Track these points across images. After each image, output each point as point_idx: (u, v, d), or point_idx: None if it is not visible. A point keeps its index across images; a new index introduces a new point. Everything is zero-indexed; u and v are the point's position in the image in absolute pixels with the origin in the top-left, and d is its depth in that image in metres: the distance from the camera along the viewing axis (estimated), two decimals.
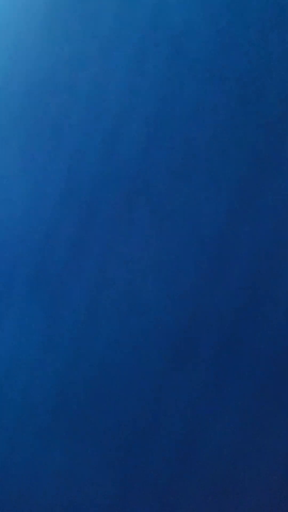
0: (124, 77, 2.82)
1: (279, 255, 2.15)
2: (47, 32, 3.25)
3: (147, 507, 2.43)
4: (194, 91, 2.51)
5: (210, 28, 2.47)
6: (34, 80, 3.29)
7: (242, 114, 2.33)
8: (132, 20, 2.81)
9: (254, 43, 2.32)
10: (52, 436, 2.88)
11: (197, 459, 2.30)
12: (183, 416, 2.36)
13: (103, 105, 2.91)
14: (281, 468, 2.05)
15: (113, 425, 2.62)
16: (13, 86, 3.39)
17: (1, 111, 3.45)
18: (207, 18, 2.49)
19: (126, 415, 2.57)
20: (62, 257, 2.96)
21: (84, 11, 3.06)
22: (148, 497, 2.44)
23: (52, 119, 3.15)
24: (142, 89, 2.74)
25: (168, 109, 2.61)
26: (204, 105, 2.47)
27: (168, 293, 2.49)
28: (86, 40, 3.03)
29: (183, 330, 2.41)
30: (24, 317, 3.11)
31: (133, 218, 2.67)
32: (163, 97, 2.63)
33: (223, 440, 2.22)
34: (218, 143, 2.40)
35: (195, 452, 2.31)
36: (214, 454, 2.25)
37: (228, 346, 2.25)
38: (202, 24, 2.50)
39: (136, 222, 2.66)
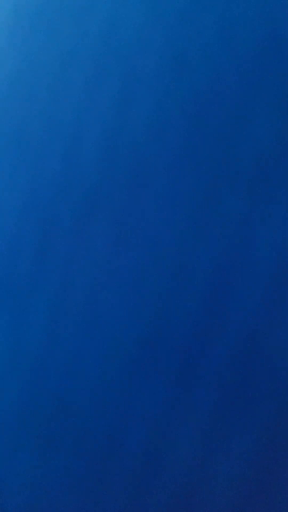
0: (82, 91, 2.84)
1: (238, 264, 2.18)
2: (11, 40, 3.25)
3: None
4: (150, 106, 2.54)
5: (165, 45, 2.50)
6: None
7: (197, 129, 2.36)
8: (88, 36, 2.83)
9: (209, 59, 2.35)
10: (20, 447, 2.88)
11: (162, 461, 2.31)
12: (147, 421, 2.38)
13: (62, 115, 2.92)
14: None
15: (77, 432, 2.63)
16: None
17: None
18: (160, 35, 2.51)
19: (92, 421, 2.58)
20: (24, 269, 2.97)
21: (44, 22, 3.08)
22: (116, 502, 2.45)
23: (12, 129, 3.16)
24: (100, 100, 2.76)
25: (125, 118, 2.63)
26: (160, 119, 2.49)
27: (130, 301, 2.50)
28: (45, 56, 3.05)
29: (145, 337, 2.43)
30: None
31: (94, 229, 2.69)
32: (121, 110, 2.65)
33: (190, 442, 2.24)
34: (174, 156, 2.42)
35: (161, 454, 2.33)
36: (180, 455, 2.27)
37: (191, 352, 2.27)
38: (156, 41, 2.53)
39: (96, 232, 2.67)
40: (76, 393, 2.66)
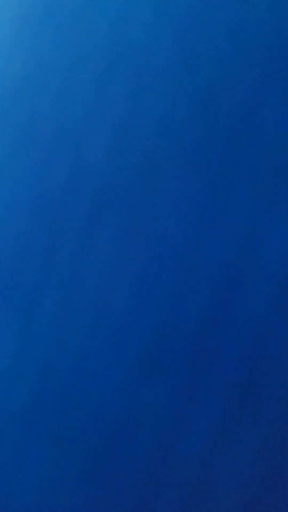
0: (90, 87, 2.83)
1: (247, 264, 2.18)
2: (17, 41, 3.26)
3: None
4: (160, 103, 2.53)
5: (174, 44, 2.50)
6: (1, 89, 3.29)
7: (207, 128, 2.35)
8: (97, 36, 2.82)
9: (218, 57, 2.34)
10: (28, 447, 2.88)
11: (170, 461, 2.31)
12: (155, 424, 2.38)
13: (71, 115, 2.92)
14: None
15: (85, 432, 2.63)
16: None
17: None
18: (170, 34, 2.51)
19: (98, 422, 2.58)
20: (33, 268, 2.97)
21: (51, 25, 3.08)
22: (124, 504, 2.45)
23: (20, 130, 3.16)
24: (109, 100, 2.75)
25: (135, 119, 2.63)
26: (170, 117, 2.49)
27: (138, 302, 2.50)
28: (52, 52, 3.05)
29: (153, 339, 2.43)
30: None
31: (102, 230, 2.69)
32: (130, 108, 2.65)
33: (196, 443, 2.24)
34: (184, 155, 2.42)
35: (168, 455, 2.33)
36: (187, 458, 2.26)
37: (199, 355, 2.27)
38: (166, 40, 2.52)
39: (105, 233, 2.67)
40: (84, 393, 2.66)
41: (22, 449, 2.90)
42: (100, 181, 2.73)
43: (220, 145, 2.31)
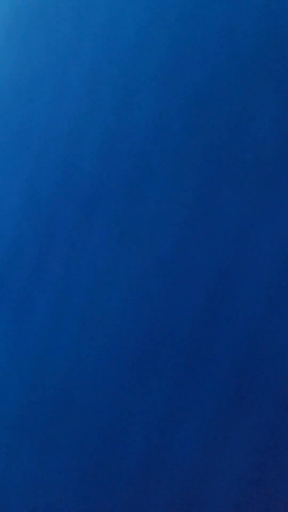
0: (81, 88, 2.83)
1: (239, 264, 2.18)
2: (9, 41, 3.25)
3: None
4: (150, 102, 2.54)
5: (165, 43, 2.50)
6: None
7: (197, 125, 2.36)
8: (89, 32, 2.82)
9: (210, 57, 2.35)
10: (20, 449, 2.88)
11: (164, 462, 2.32)
12: (149, 425, 2.38)
13: (62, 116, 2.92)
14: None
15: (79, 433, 2.63)
16: None
17: None
18: (161, 32, 2.51)
19: (91, 423, 2.59)
20: (25, 270, 2.97)
21: (44, 23, 3.08)
22: (119, 504, 2.45)
23: (12, 131, 3.16)
24: (100, 100, 2.76)
25: (125, 120, 2.63)
26: (161, 118, 2.49)
27: (131, 302, 2.50)
28: (46, 51, 3.04)
29: (146, 339, 2.43)
30: None
31: (93, 230, 2.69)
32: (121, 109, 2.65)
33: (189, 449, 2.25)
34: (175, 156, 2.42)
35: (162, 456, 2.33)
36: (182, 459, 2.27)
37: (191, 355, 2.27)
38: (156, 39, 2.53)
39: (97, 234, 2.67)
40: (77, 395, 2.66)
41: (15, 450, 2.90)
42: (91, 182, 2.73)
43: (211, 146, 2.31)
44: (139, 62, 2.61)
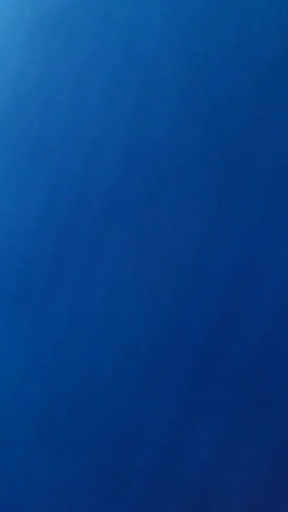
0: (101, 100, 2.85)
1: (254, 274, 2.18)
2: (29, 53, 3.28)
3: None
4: (168, 114, 2.54)
5: (183, 55, 2.51)
6: (14, 99, 3.31)
7: (214, 138, 2.36)
8: (109, 42, 2.84)
9: (226, 69, 2.35)
10: (37, 453, 2.89)
11: (178, 474, 2.32)
12: (162, 431, 2.38)
13: (81, 122, 2.94)
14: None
15: (94, 440, 2.64)
16: None
17: None
18: (179, 44, 2.52)
19: (106, 431, 2.59)
20: (43, 276, 2.98)
21: (63, 36, 3.10)
22: (131, 509, 2.46)
23: (32, 139, 3.18)
24: (118, 108, 2.77)
25: (144, 130, 2.64)
26: (177, 128, 2.50)
27: (147, 311, 2.51)
28: (66, 60, 3.06)
29: (162, 344, 2.43)
30: (6, 335, 3.13)
31: (111, 237, 2.70)
32: (139, 117, 2.66)
33: (202, 456, 2.25)
34: (192, 165, 2.43)
35: (175, 467, 2.33)
36: (193, 467, 2.27)
37: (205, 364, 2.27)
38: (175, 51, 2.53)
39: (114, 240, 2.68)
40: (92, 400, 2.67)
41: (31, 454, 2.91)
42: (109, 192, 2.74)
43: (228, 155, 2.32)
44: (158, 72, 2.62)
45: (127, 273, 2.61)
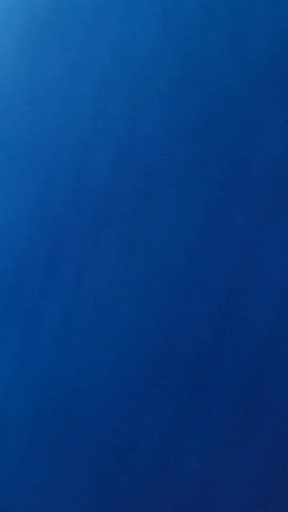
0: (93, 103, 2.85)
1: (249, 278, 2.19)
2: (20, 57, 3.27)
3: None
4: (160, 117, 2.55)
5: (175, 58, 2.51)
6: (4, 103, 3.30)
7: (208, 140, 2.37)
8: (100, 46, 2.84)
9: (218, 69, 2.36)
10: (30, 458, 2.88)
11: (171, 472, 2.32)
12: (156, 437, 2.38)
13: (72, 127, 2.93)
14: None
15: (87, 444, 2.64)
16: None
17: None
18: (171, 47, 2.52)
19: (100, 435, 2.59)
20: (35, 280, 2.98)
21: (56, 36, 3.09)
22: None
23: (23, 143, 3.17)
24: (110, 113, 2.77)
25: (136, 133, 2.64)
26: (170, 131, 2.50)
27: (140, 314, 2.51)
28: (57, 64, 3.06)
29: (155, 350, 2.43)
30: None
31: (102, 245, 2.70)
32: (131, 121, 2.67)
33: (196, 460, 2.25)
34: (185, 169, 2.43)
35: (169, 468, 2.33)
36: (188, 471, 2.27)
37: (200, 369, 2.28)
38: (167, 54, 2.54)
39: (106, 245, 2.68)
40: (85, 404, 2.66)
41: (24, 460, 2.90)
42: (101, 196, 2.74)
43: (220, 159, 2.33)
44: (150, 76, 2.63)
45: (120, 279, 2.61)
